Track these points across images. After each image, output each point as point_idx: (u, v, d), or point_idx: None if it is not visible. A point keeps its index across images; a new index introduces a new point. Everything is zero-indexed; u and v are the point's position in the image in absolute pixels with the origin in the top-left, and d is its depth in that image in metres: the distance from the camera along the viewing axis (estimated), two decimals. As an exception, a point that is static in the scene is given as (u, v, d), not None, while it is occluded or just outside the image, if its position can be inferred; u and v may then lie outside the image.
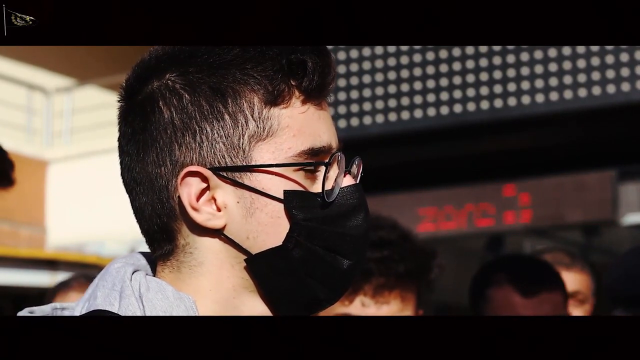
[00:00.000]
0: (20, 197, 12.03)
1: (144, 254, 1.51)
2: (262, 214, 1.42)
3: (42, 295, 3.37)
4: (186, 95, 1.42)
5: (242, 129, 1.42)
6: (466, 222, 6.70)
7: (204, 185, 1.42)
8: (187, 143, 1.42)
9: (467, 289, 3.07)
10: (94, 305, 1.41)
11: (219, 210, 1.42)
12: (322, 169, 1.44)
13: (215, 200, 1.42)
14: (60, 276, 11.14)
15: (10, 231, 12.53)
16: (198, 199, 1.42)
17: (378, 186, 6.32)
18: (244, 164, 1.41)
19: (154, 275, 1.48)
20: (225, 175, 1.42)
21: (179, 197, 1.42)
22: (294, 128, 1.43)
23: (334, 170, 1.46)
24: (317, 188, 1.44)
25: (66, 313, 1.46)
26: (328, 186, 1.44)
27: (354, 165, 1.50)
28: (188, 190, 1.41)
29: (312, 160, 1.43)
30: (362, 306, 2.40)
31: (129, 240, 10.94)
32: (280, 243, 1.42)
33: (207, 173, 1.41)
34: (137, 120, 1.45)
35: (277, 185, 1.42)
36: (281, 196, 1.41)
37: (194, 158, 1.42)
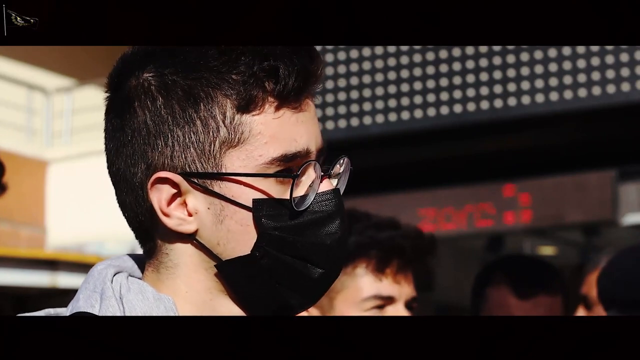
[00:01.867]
0: (20, 197, 12.02)
1: (132, 255, 1.51)
2: (232, 222, 1.40)
3: (42, 296, 3.35)
4: (160, 98, 1.41)
5: (214, 135, 1.40)
6: (466, 223, 6.69)
7: (175, 190, 1.41)
8: (160, 147, 1.41)
9: (467, 289, 3.06)
10: (76, 308, 1.41)
11: (190, 215, 1.41)
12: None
13: (186, 205, 1.41)
14: (60, 276, 11.15)
15: (10, 231, 12.52)
16: (169, 204, 1.41)
17: (378, 186, 6.32)
18: (215, 170, 1.40)
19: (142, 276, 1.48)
20: (196, 181, 1.40)
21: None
22: (266, 135, 1.40)
23: (308, 176, 1.43)
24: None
25: (58, 317, 1.46)
26: (299, 193, 1.42)
27: (337, 166, 1.48)
28: (158, 195, 1.41)
29: (286, 166, 1.41)
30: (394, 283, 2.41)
31: (129, 240, 10.91)
32: (249, 252, 1.41)
33: (177, 179, 1.40)
34: (116, 119, 1.44)
35: (246, 194, 1.40)
36: (250, 204, 1.40)
37: (166, 162, 1.40)
